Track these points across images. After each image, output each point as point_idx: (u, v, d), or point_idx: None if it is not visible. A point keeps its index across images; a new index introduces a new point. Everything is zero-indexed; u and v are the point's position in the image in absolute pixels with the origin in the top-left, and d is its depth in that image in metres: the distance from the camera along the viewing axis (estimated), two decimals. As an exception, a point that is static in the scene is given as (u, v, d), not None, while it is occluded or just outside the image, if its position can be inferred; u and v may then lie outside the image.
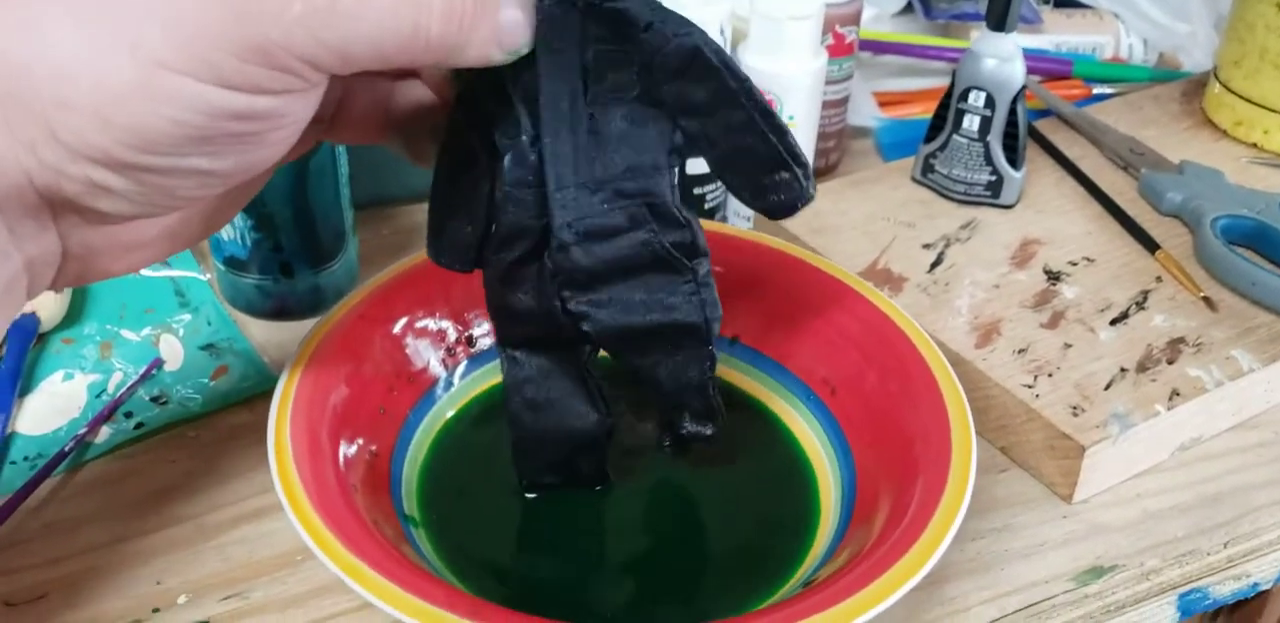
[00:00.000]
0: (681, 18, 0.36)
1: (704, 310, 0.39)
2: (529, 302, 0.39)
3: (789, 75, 0.59)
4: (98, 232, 0.33)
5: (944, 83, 0.76)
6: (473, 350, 0.48)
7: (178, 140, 0.30)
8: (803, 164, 0.38)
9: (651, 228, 0.37)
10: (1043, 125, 0.66)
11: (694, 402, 0.42)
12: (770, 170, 0.38)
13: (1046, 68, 0.75)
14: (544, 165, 0.36)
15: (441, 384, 0.47)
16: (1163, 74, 0.75)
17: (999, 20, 0.56)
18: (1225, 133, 0.66)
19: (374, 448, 0.43)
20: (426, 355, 0.47)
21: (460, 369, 0.48)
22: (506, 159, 0.37)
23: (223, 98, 0.30)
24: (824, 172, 0.68)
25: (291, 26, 0.29)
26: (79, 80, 0.29)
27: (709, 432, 0.43)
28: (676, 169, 0.38)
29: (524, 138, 0.36)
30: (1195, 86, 0.70)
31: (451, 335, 0.48)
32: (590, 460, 0.44)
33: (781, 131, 0.37)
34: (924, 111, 0.72)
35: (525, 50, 0.35)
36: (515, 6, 0.34)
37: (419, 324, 0.47)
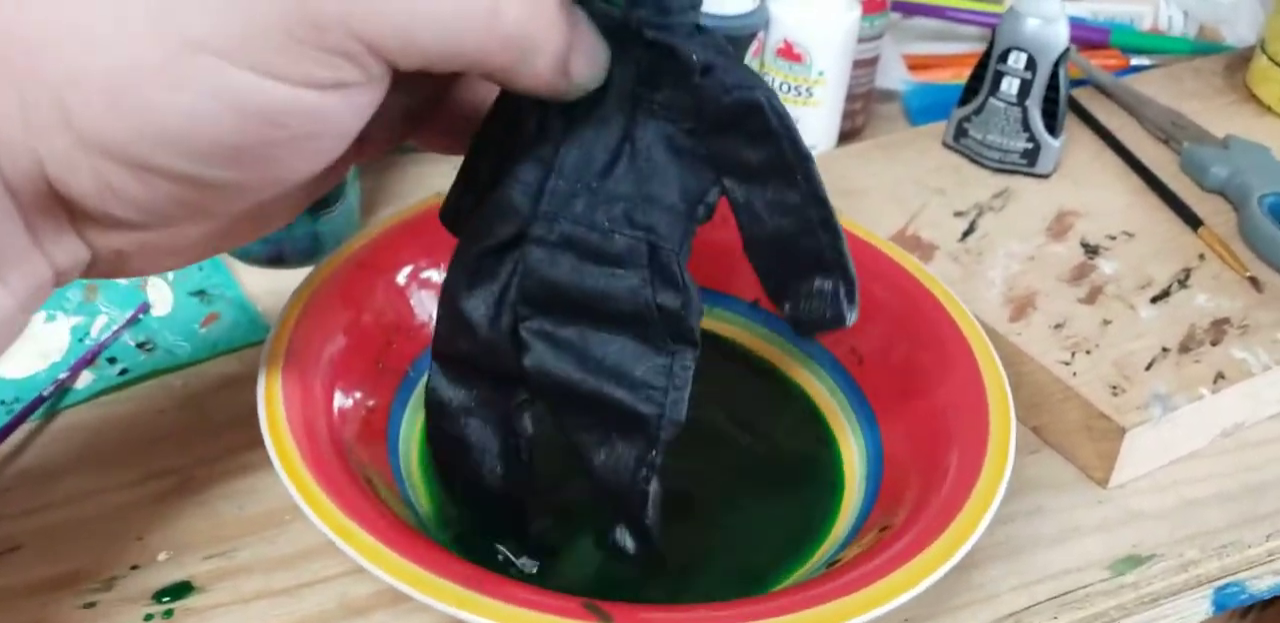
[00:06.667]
0: (750, 70, 0.32)
1: (664, 405, 0.32)
2: (482, 309, 0.33)
3: (821, 27, 0.56)
4: (125, 237, 0.29)
5: (976, 48, 0.74)
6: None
7: (199, 140, 0.26)
8: (849, 279, 0.32)
9: (645, 275, 0.31)
10: (1080, 95, 0.63)
11: (621, 510, 0.35)
12: (810, 271, 0.33)
13: (1082, 36, 0.72)
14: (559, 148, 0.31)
15: (446, 339, 0.44)
16: (1204, 47, 0.72)
17: (1045, -22, 0.53)
18: (1269, 108, 0.63)
19: (371, 402, 0.41)
20: (431, 308, 0.44)
21: (466, 324, 0.45)
22: (531, 124, 0.32)
23: (260, 87, 0.26)
24: (850, 134, 0.65)
25: None
26: (95, 54, 0.25)
27: (630, 552, 0.35)
28: (693, 230, 0.32)
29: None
30: (1239, 60, 0.68)
31: (458, 288, 0.45)
32: (514, 524, 0.37)
33: (834, 232, 0.32)
34: (954, 76, 0.69)
35: (593, 85, 0.31)
36: (598, 36, 0.30)
37: (423, 275, 0.44)
